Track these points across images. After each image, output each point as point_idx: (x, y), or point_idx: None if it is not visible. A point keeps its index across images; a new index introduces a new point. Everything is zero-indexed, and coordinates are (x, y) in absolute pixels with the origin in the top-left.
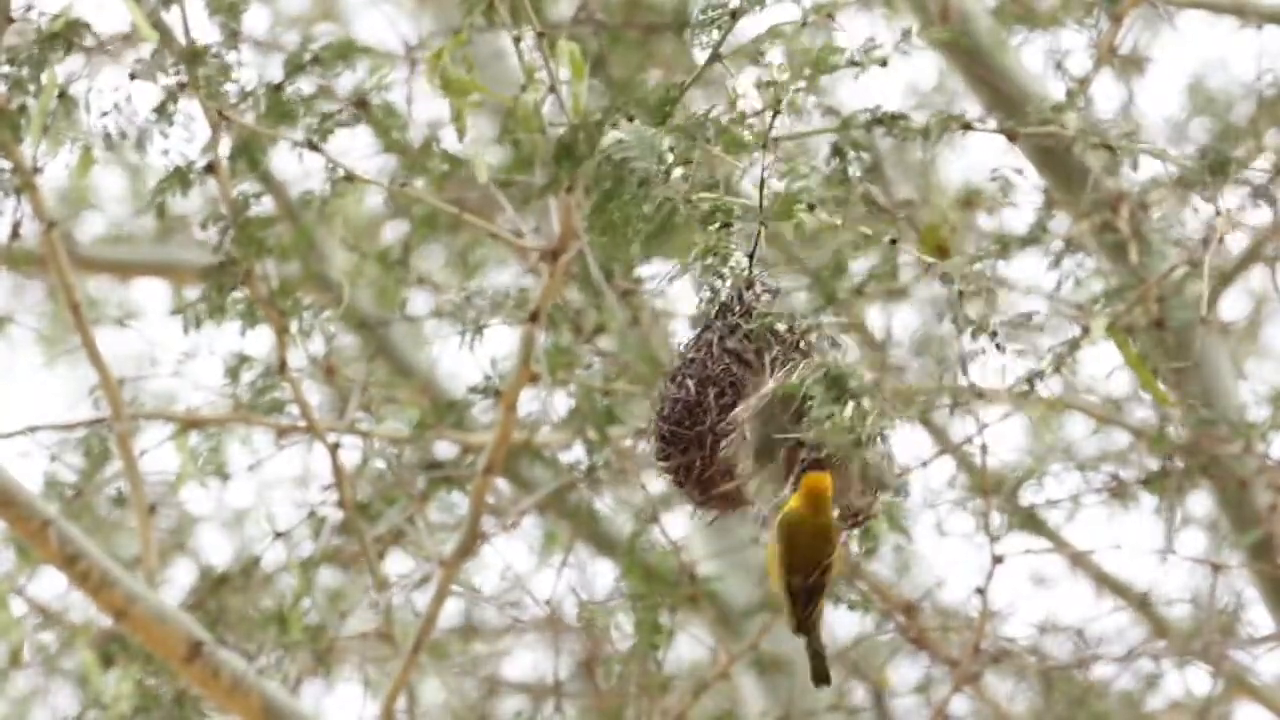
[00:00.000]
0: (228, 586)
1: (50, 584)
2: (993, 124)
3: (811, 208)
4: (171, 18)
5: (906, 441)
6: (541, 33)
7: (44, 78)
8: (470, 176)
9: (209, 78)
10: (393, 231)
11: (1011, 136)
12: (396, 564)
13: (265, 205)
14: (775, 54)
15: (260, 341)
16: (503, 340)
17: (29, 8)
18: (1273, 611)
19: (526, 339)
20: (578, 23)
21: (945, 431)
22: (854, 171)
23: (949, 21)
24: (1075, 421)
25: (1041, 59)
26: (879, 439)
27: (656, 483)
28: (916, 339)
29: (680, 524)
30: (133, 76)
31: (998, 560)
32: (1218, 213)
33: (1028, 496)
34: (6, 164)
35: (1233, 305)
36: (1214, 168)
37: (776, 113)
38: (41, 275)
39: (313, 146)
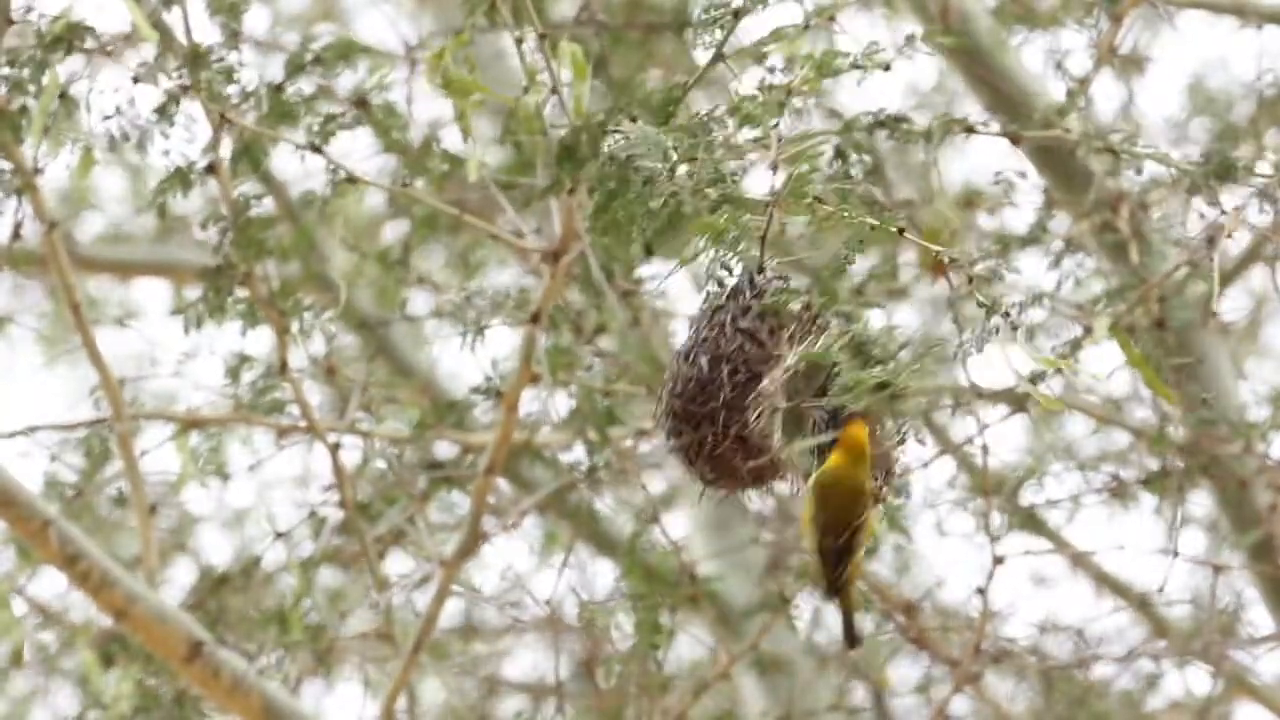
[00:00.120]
0: (228, 586)
1: (50, 584)
2: (995, 126)
3: (819, 200)
4: (172, 18)
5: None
6: (543, 34)
7: (45, 79)
8: (468, 176)
9: (210, 79)
10: (393, 231)
11: (1014, 140)
12: (397, 564)
13: (266, 206)
14: (777, 57)
15: (260, 342)
16: (503, 341)
17: (29, 9)
18: (1273, 611)
19: (528, 340)
20: (579, 23)
21: (946, 431)
22: (856, 173)
23: (949, 22)
24: (1075, 421)
25: (1041, 59)
26: (909, 399)
27: (657, 483)
28: (917, 338)
29: (680, 524)
30: (135, 80)
31: (998, 561)
32: (1223, 212)
33: (1028, 496)
34: (7, 165)
35: (1233, 305)
36: (1218, 171)
37: (782, 106)
38: (42, 275)
39: (315, 149)
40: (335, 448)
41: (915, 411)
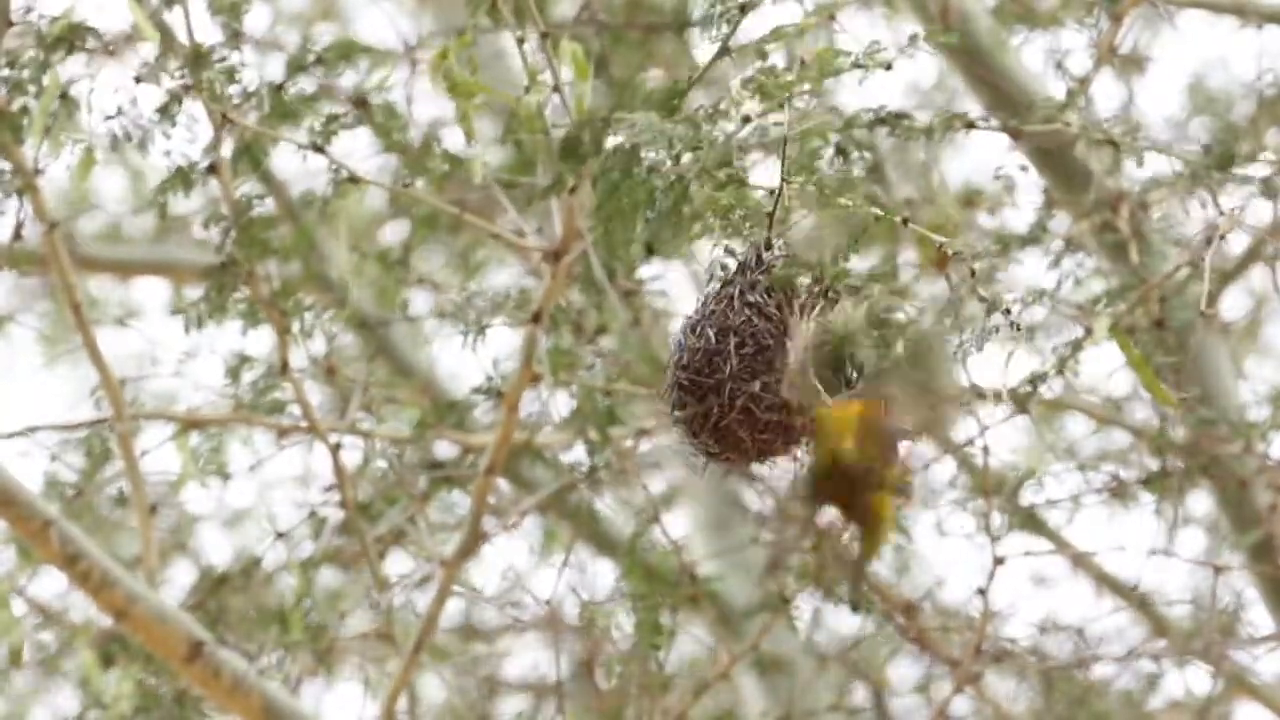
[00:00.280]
0: (228, 586)
1: (50, 584)
2: (995, 123)
3: (825, 186)
4: (174, 18)
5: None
6: (545, 33)
7: (46, 79)
8: (471, 176)
9: (212, 79)
10: (393, 231)
11: (1015, 135)
12: (397, 564)
13: (267, 206)
14: (779, 55)
15: (261, 342)
16: (504, 341)
17: (29, 9)
18: (1273, 611)
19: (529, 340)
20: (580, 23)
21: (946, 431)
22: (857, 171)
23: (949, 21)
24: (1075, 421)
25: (1041, 59)
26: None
27: (657, 483)
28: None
29: (680, 524)
30: (137, 80)
31: (998, 561)
32: (1221, 212)
33: (1028, 496)
34: (7, 165)
35: (1233, 305)
36: (1219, 162)
37: (782, 105)
38: (42, 275)
39: (317, 148)
40: (336, 448)
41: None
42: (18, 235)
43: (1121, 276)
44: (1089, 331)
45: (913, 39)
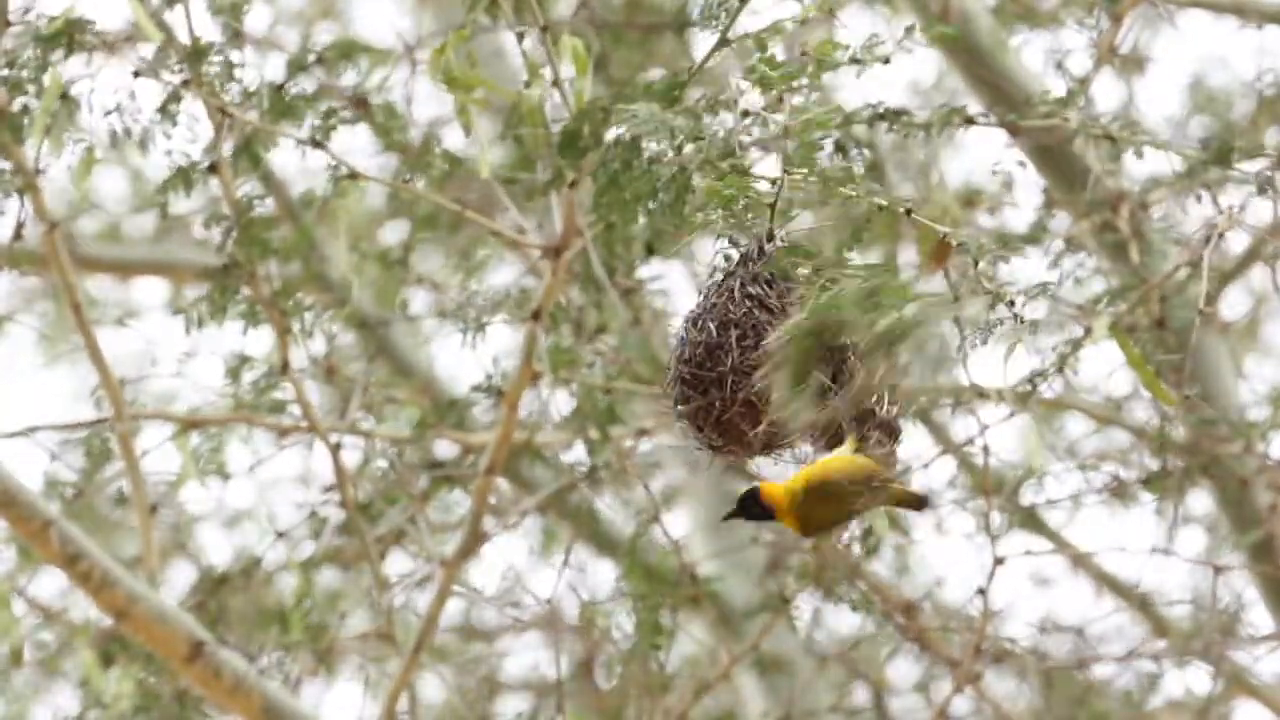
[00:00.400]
0: (228, 586)
1: (50, 584)
2: (994, 119)
3: (826, 176)
4: (174, 17)
5: (907, 442)
6: (545, 27)
7: (46, 79)
8: (471, 175)
9: (213, 78)
10: (393, 231)
11: (1014, 130)
12: (397, 564)
13: (267, 206)
14: (778, 50)
15: (261, 342)
16: (504, 339)
17: (28, 10)
18: (1273, 611)
19: (529, 338)
20: (580, 21)
21: (946, 431)
22: (857, 168)
23: (949, 21)
24: (1075, 421)
25: (1041, 59)
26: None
27: (657, 483)
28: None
29: (680, 524)
30: (136, 74)
31: (998, 561)
32: (1219, 211)
33: (1028, 496)
34: (7, 165)
35: (1233, 304)
36: (1217, 158)
37: (781, 101)
38: (43, 275)
39: (317, 145)
40: (336, 448)
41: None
42: (18, 235)
43: (1121, 276)
44: (1089, 331)
45: (909, 30)
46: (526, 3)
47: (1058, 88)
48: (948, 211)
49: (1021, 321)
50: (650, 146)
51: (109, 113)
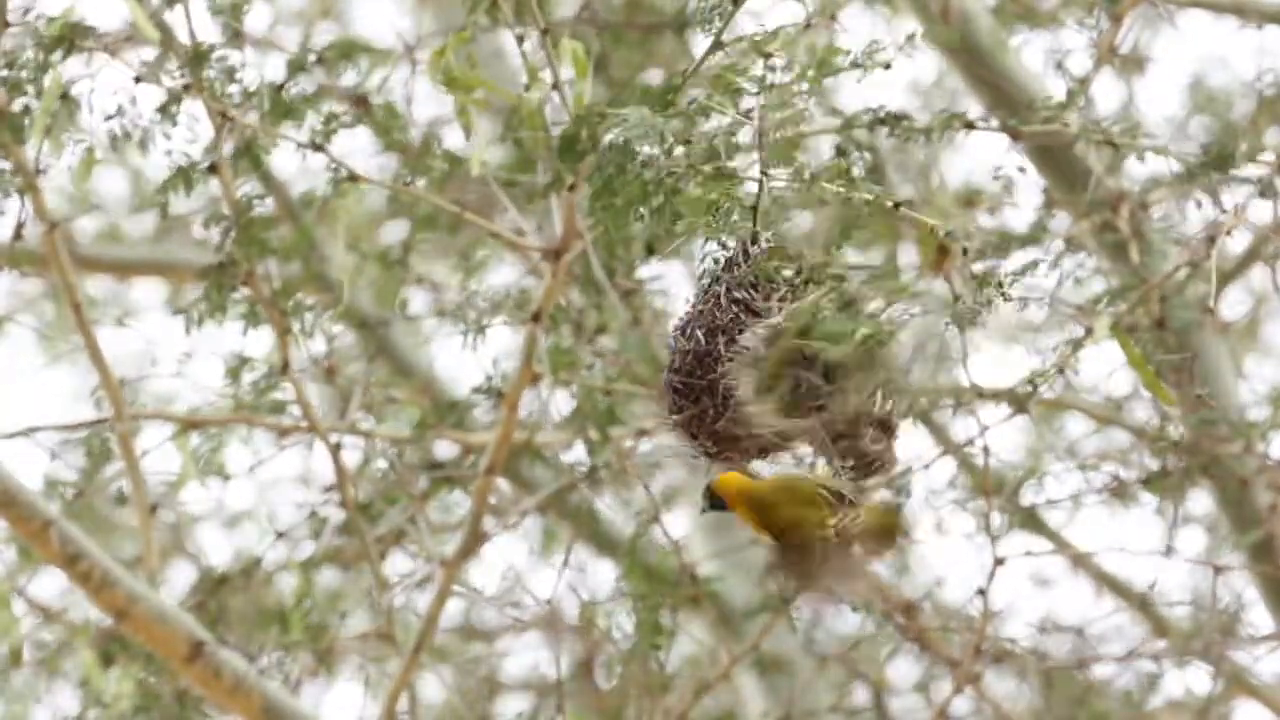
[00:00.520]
0: (228, 586)
1: (50, 584)
2: (995, 123)
3: (813, 176)
4: (174, 17)
5: (908, 442)
6: (545, 29)
7: (47, 79)
8: (471, 175)
9: (212, 79)
10: (393, 231)
11: (1015, 135)
12: (397, 564)
13: (267, 205)
14: (778, 54)
15: (261, 342)
16: (504, 340)
17: (27, 10)
18: (1273, 611)
19: (529, 339)
20: (580, 22)
21: (946, 431)
22: (858, 171)
23: (949, 21)
24: (1075, 421)
25: (1041, 59)
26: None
27: (657, 483)
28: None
29: (680, 524)
30: (137, 80)
31: (998, 561)
32: (1223, 211)
33: (1028, 496)
34: (7, 165)
35: (1233, 304)
36: (1217, 163)
37: (782, 104)
38: (43, 274)
39: (316, 147)
40: (336, 448)
41: (897, 367)
42: (18, 235)
43: (1122, 276)
44: (1089, 331)
45: (910, 38)
46: (527, 4)
47: (1058, 88)
48: (945, 213)
49: (1008, 299)
50: (645, 150)
51: (109, 117)
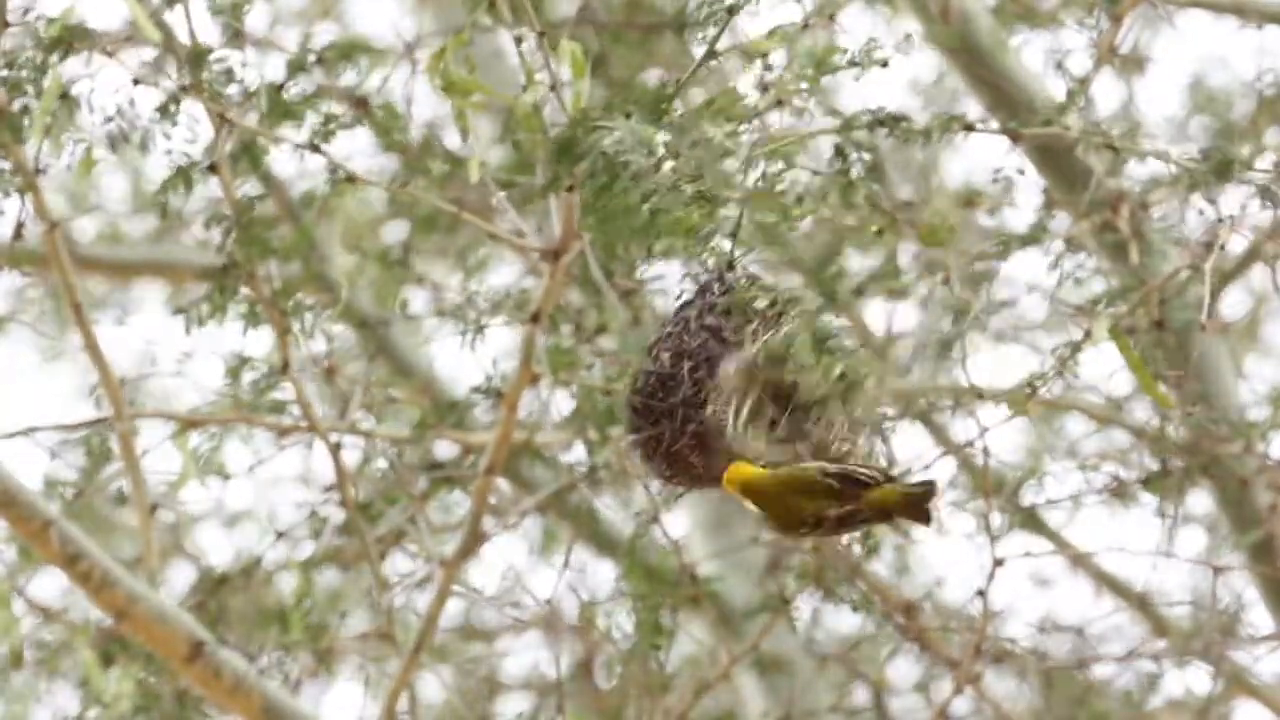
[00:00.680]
0: (228, 586)
1: (50, 584)
2: (994, 125)
3: (800, 200)
4: (174, 17)
5: (907, 441)
6: (542, 32)
7: (46, 79)
8: (471, 176)
9: (211, 79)
10: (393, 231)
11: (1014, 138)
12: (397, 564)
13: (267, 205)
14: (778, 55)
15: (260, 342)
16: (503, 340)
17: (27, 10)
18: (1273, 611)
19: (528, 340)
20: (579, 22)
21: (946, 432)
22: (856, 172)
23: (949, 21)
24: (1075, 421)
25: (1041, 59)
26: (863, 384)
27: (656, 483)
28: (917, 338)
29: (680, 524)
30: (136, 82)
31: (998, 562)
32: (1219, 219)
33: (1028, 496)
34: (7, 164)
35: (1233, 304)
36: (1217, 169)
37: (780, 104)
38: (43, 274)
39: (314, 148)
40: (336, 448)
41: (870, 405)
42: (18, 235)
43: (1121, 277)
44: (1088, 333)
45: (907, 37)
46: (524, 6)
47: (1058, 88)
48: (943, 215)
49: (986, 328)
50: (635, 161)
51: (109, 119)
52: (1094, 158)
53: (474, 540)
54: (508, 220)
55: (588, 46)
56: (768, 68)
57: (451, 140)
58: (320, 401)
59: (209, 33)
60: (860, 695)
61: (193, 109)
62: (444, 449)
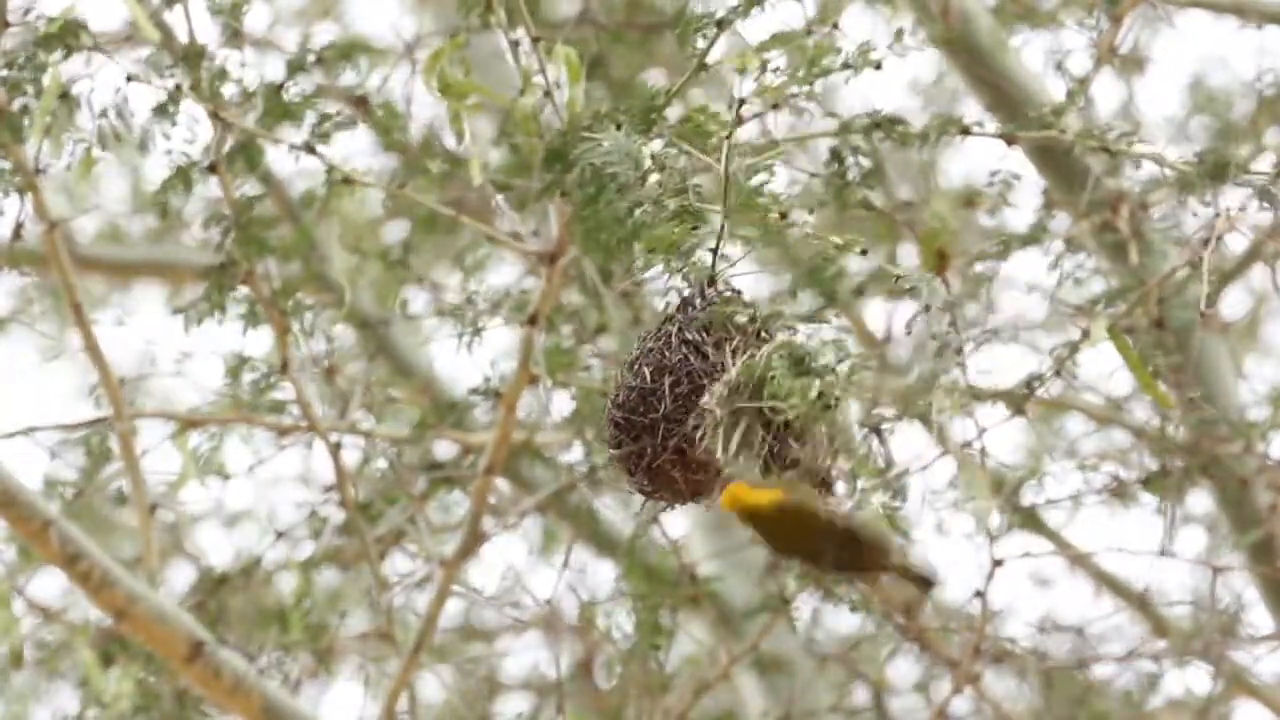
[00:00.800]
0: (228, 586)
1: (50, 584)
2: (991, 127)
3: (784, 215)
4: (174, 17)
5: (907, 441)
6: (537, 37)
7: (46, 79)
8: (470, 177)
9: (211, 79)
10: (393, 231)
11: (1010, 141)
12: (397, 564)
13: (266, 205)
14: (778, 58)
15: (260, 341)
16: (503, 341)
17: (28, 10)
18: (1273, 611)
19: (525, 341)
20: (579, 23)
21: (945, 431)
22: (853, 175)
23: (949, 21)
24: (1075, 421)
25: (1041, 59)
26: (842, 407)
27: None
28: (915, 339)
29: (680, 524)
30: (129, 79)
31: (997, 563)
32: (1217, 215)
33: (1028, 497)
34: (7, 164)
35: (1233, 304)
36: (1213, 171)
37: (775, 108)
38: (43, 274)
39: (310, 149)
40: (336, 448)
41: (845, 425)
42: (17, 235)
43: (1121, 277)
44: (1086, 333)
45: (899, 34)
46: (519, 8)
47: (1058, 88)
48: (941, 217)
49: (966, 371)
50: (624, 173)
51: (103, 114)
52: (1093, 158)
53: (474, 540)
54: (506, 222)
55: (586, 48)
56: (764, 71)
57: (451, 140)
58: (320, 401)
59: (209, 33)
60: (860, 695)
61: (192, 109)
62: (443, 449)
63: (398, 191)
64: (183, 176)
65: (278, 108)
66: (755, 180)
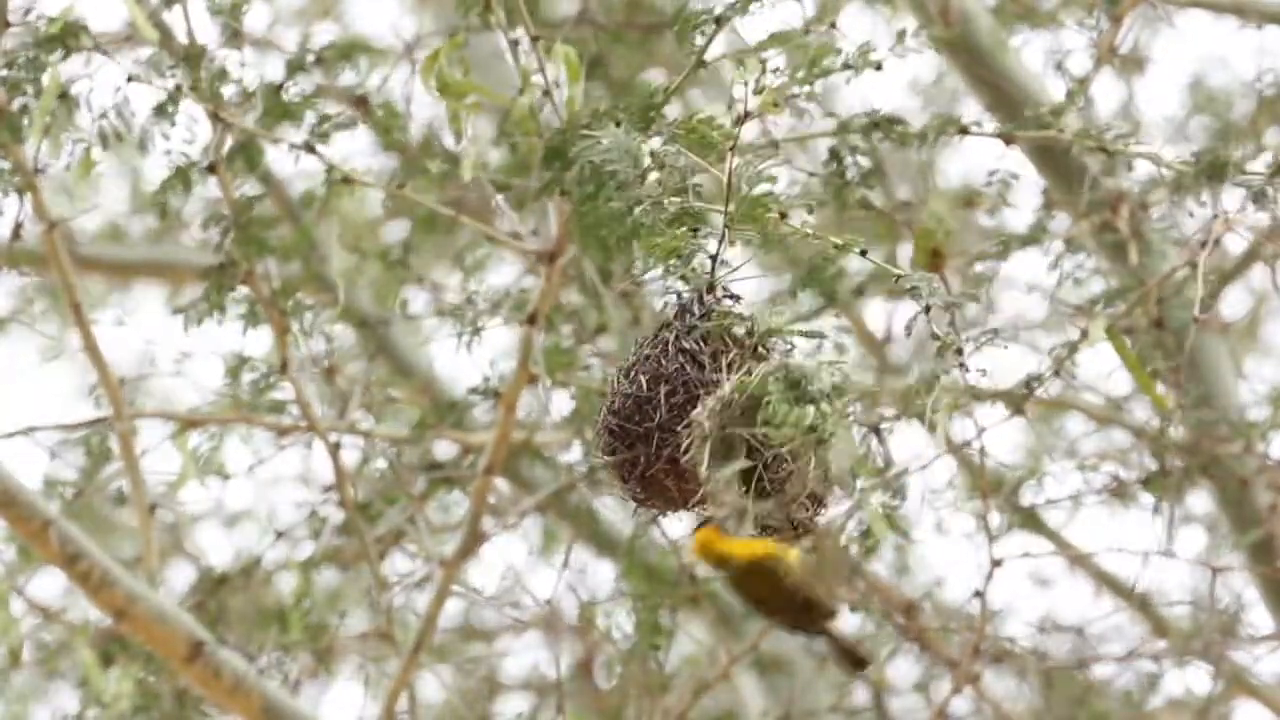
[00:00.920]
0: (228, 586)
1: (50, 584)
2: (990, 127)
3: (784, 215)
4: (173, 17)
5: (906, 441)
6: (537, 36)
7: (45, 79)
8: (464, 176)
9: (210, 79)
10: (392, 231)
11: (1008, 141)
12: (397, 564)
13: (265, 205)
14: (777, 58)
15: (260, 341)
16: (503, 340)
17: (28, 10)
18: (1273, 611)
19: (525, 341)
20: (578, 23)
21: (945, 431)
22: (852, 175)
23: (949, 21)
24: (1075, 421)
25: (1041, 59)
26: (834, 438)
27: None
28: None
29: (680, 524)
30: (130, 79)
31: (997, 563)
32: (1215, 216)
33: (1028, 496)
34: (6, 164)
35: (1233, 304)
36: (1209, 171)
37: (774, 108)
38: (43, 274)
39: (309, 149)
40: (335, 447)
41: (836, 464)
42: (17, 234)
43: (1121, 277)
44: (1085, 333)
45: (900, 35)
46: (518, 8)
47: (1058, 88)
48: (941, 217)
49: (967, 371)
50: (621, 170)
51: (103, 114)
52: (1091, 158)
53: (473, 540)
54: (506, 221)
55: (585, 47)
56: (764, 72)
57: (451, 140)
58: (320, 401)
59: (208, 33)
60: (860, 695)
61: (192, 109)
62: (443, 449)
63: (397, 191)
64: (182, 176)
65: (277, 108)
66: (758, 190)
